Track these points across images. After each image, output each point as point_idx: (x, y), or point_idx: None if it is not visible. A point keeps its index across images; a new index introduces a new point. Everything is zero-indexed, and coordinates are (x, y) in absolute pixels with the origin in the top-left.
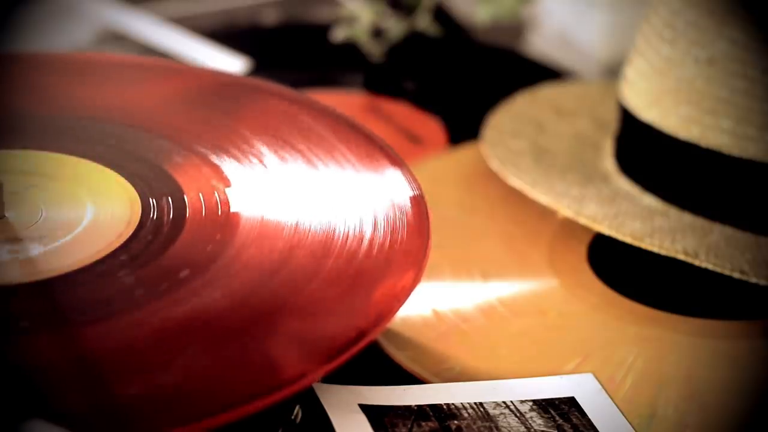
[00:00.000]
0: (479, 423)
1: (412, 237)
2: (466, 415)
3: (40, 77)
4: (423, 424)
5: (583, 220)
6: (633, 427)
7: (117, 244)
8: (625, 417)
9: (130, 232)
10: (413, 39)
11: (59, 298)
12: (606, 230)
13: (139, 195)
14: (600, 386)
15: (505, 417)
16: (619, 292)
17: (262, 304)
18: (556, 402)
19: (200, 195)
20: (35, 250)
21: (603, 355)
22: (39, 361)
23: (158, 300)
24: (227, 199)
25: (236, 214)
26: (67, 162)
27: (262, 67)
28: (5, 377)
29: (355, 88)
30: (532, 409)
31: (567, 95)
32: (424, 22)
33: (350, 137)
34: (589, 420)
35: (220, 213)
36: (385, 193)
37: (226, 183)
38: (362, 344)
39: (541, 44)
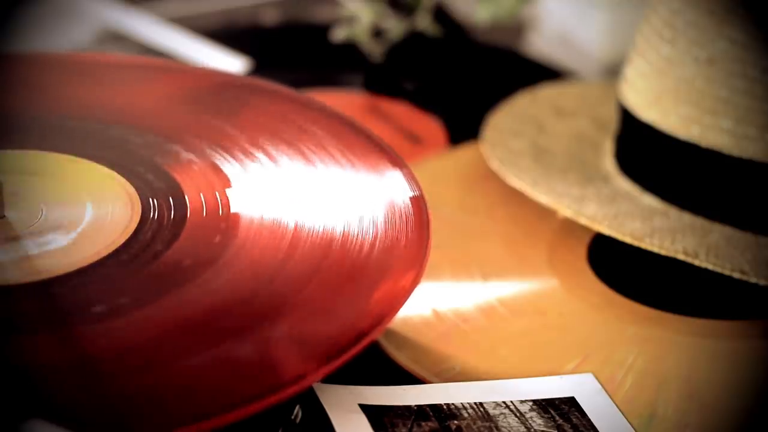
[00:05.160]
0: (479, 423)
1: (412, 237)
2: (466, 415)
3: (40, 77)
4: (423, 424)
5: (583, 220)
6: (633, 427)
7: (117, 245)
8: (625, 417)
9: (130, 232)
10: (413, 39)
11: (59, 298)
12: (606, 230)
13: (139, 195)
14: (600, 386)
15: (505, 417)
16: (619, 292)
17: (262, 304)
18: (556, 402)
19: (200, 195)
20: (35, 250)
21: (603, 355)
22: (39, 361)
23: (158, 300)
24: (227, 200)
25: (236, 215)
26: (67, 162)
27: (262, 67)
28: (5, 377)
29: (355, 88)
30: (532, 409)
31: (567, 95)
32: (424, 22)
33: (350, 137)
34: (589, 420)
35: (220, 213)
36: (385, 193)
37: (226, 183)
38: (362, 344)
39: (541, 44)
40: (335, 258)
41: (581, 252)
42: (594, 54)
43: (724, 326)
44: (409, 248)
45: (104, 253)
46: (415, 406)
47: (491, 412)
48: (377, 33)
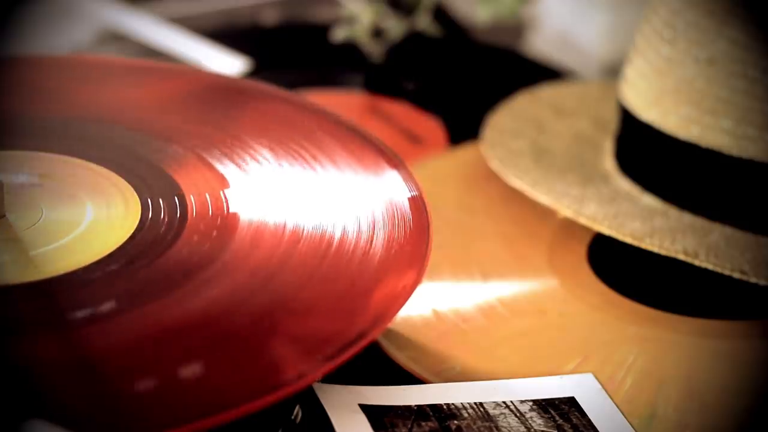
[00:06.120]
0: (479, 423)
1: (412, 237)
2: (466, 415)
3: (41, 79)
4: (423, 424)
5: (583, 220)
6: (633, 427)
7: (116, 245)
8: (625, 417)
9: (130, 233)
10: (413, 39)
11: (59, 298)
12: (606, 230)
13: (139, 195)
14: (600, 386)
15: (505, 417)
16: (619, 292)
17: (261, 304)
18: (556, 402)
19: (198, 196)
20: (35, 250)
21: (603, 355)
22: (39, 361)
23: (158, 300)
24: (226, 200)
25: (235, 215)
26: (67, 162)
27: (262, 67)
28: (5, 377)
29: (355, 88)
30: (532, 409)
31: (567, 95)
32: (424, 22)
33: (349, 138)
34: (589, 420)
35: (218, 214)
36: (385, 193)
37: (225, 184)
38: (362, 344)
39: (541, 44)
40: (335, 258)
41: (581, 252)
42: (594, 54)
43: (724, 326)
44: (409, 248)
45: (104, 253)
46: (415, 406)
47: (491, 412)
48: (377, 33)
